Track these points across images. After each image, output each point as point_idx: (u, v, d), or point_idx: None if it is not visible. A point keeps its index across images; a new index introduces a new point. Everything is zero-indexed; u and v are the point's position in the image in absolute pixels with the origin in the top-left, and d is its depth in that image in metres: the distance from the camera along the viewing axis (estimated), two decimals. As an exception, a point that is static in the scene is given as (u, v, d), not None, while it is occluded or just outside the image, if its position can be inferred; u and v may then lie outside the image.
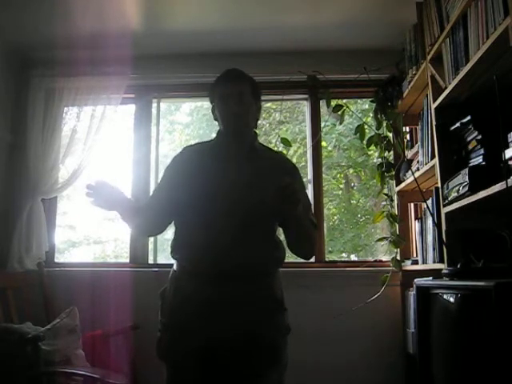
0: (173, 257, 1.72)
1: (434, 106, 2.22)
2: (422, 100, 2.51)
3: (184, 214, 1.68)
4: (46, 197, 3.01)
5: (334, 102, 2.94)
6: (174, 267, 1.72)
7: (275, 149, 2.99)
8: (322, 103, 3.17)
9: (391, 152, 2.95)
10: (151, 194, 1.88)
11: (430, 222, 2.31)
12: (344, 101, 3.08)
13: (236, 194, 1.63)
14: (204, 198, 1.63)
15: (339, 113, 2.92)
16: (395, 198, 2.93)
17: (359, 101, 4.12)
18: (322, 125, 3.23)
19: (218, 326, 1.57)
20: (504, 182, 1.54)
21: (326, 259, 3.09)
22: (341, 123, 3.04)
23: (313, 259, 3.01)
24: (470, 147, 1.92)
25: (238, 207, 1.61)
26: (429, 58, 2.32)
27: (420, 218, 2.55)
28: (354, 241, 4.82)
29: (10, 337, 2.26)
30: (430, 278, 2.01)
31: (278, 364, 1.64)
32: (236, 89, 1.71)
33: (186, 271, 1.67)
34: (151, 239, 3.11)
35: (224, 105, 1.72)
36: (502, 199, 1.58)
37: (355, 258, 4.79)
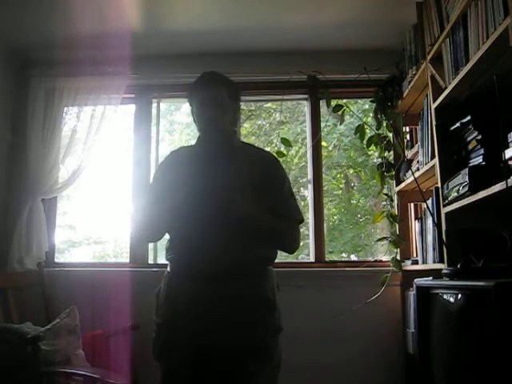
0: (166, 258, 1.76)
1: (434, 106, 2.22)
2: (422, 100, 2.51)
3: (173, 217, 1.70)
4: (46, 197, 3.01)
5: (334, 102, 2.94)
6: (168, 268, 1.76)
7: (275, 149, 3.01)
8: (322, 103, 3.17)
9: (391, 152, 2.95)
10: (146, 199, 1.85)
11: (429, 222, 2.31)
12: (344, 101, 3.08)
13: (219, 194, 1.63)
14: (189, 202, 1.64)
15: (339, 113, 2.92)
16: (395, 198, 2.93)
17: (359, 101, 4.11)
18: (323, 125, 3.23)
19: (207, 327, 1.59)
20: (504, 182, 1.54)
21: (326, 259, 3.08)
22: (341, 123, 3.04)
23: (313, 259, 3.02)
24: (470, 147, 1.92)
25: (222, 208, 1.62)
26: (429, 58, 2.31)
27: (420, 218, 2.55)
28: (353, 241, 4.82)
29: (10, 337, 2.26)
30: (430, 278, 2.01)
31: (269, 363, 1.65)
32: (211, 93, 1.73)
33: (176, 272, 1.71)
34: (151, 239, 3.11)
35: (200, 110, 1.75)
36: (502, 199, 1.58)
37: (355, 258, 4.79)
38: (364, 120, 3.01)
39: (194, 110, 1.79)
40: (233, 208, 1.59)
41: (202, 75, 1.79)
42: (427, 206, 2.31)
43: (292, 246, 1.80)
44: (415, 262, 2.61)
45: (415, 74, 2.53)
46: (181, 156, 1.85)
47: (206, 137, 1.78)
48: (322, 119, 3.24)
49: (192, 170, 1.73)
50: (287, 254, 1.89)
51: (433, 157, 2.25)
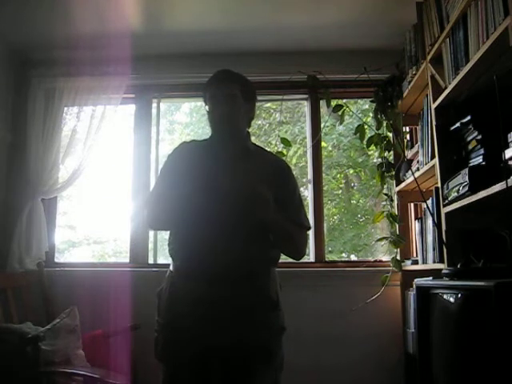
0: (169, 253, 1.75)
1: (434, 106, 2.22)
2: (422, 100, 2.51)
3: (178, 213, 1.69)
4: (46, 197, 3.01)
5: (334, 102, 2.94)
6: (171, 267, 1.74)
7: (275, 149, 3.01)
8: (322, 103, 3.17)
9: (391, 152, 2.95)
10: (153, 189, 1.85)
11: (429, 222, 2.31)
12: (344, 101, 3.08)
13: (227, 194, 1.62)
14: (196, 199, 1.63)
15: (339, 113, 2.92)
16: (395, 198, 2.93)
17: (359, 101, 4.11)
18: (322, 125, 3.23)
19: (210, 327, 1.59)
20: (504, 182, 1.54)
21: (326, 259, 3.08)
22: (341, 123, 3.05)
23: (313, 259, 3.01)
24: (470, 147, 1.92)
25: (230, 208, 1.61)
26: (429, 58, 2.31)
27: (420, 218, 2.55)
28: (353, 241, 4.82)
29: (10, 337, 2.26)
30: (430, 277, 2.01)
31: (272, 364, 1.65)
32: (225, 90, 1.72)
33: (180, 271, 1.69)
34: (151, 239, 3.12)
35: (213, 106, 1.73)
36: (502, 199, 1.58)
37: (355, 258, 4.79)
38: (364, 120, 3.02)
39: (207, 108, 1.77)
40: (259, 207, 1.58)
41: (217, 72, 1.77)
42: (427, 206, 2.31)
43: (300, 253, 1.81)
44: (415, 262, 2.61)
45: (415, 74, 2.53)
46: (193, 149, 1.81)
47: (218, 132, 1.75)
48: (321, 119, 3.24)
49: (204, 166, 1.70)
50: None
51: (433, 157, 2.25)
